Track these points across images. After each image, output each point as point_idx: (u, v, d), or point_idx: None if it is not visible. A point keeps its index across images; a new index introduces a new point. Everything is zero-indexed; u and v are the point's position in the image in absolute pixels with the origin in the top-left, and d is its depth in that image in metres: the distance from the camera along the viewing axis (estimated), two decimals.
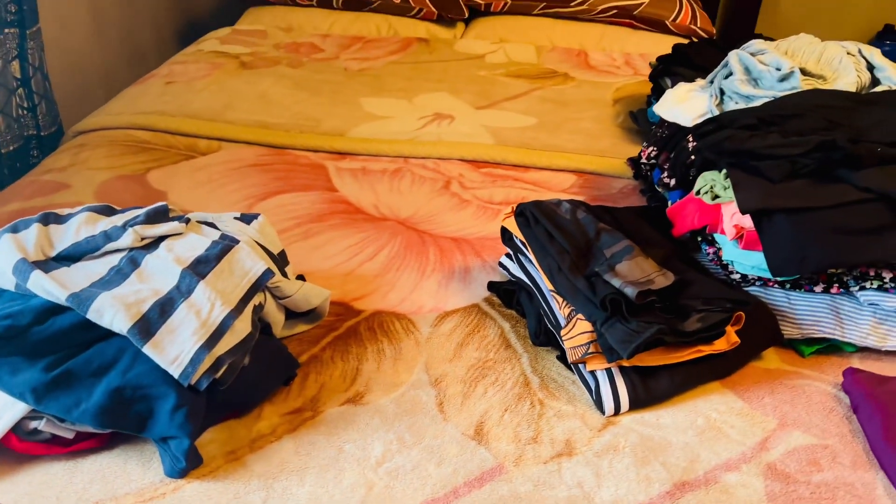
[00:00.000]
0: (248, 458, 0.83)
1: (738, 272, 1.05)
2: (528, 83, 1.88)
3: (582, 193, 1.42)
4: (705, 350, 0.95)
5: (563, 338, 0.95)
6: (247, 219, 1.01)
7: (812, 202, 0.96)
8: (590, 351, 0.93)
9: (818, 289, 1.03)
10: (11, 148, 1.61)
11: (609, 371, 0.93)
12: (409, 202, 1.36)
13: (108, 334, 0.80)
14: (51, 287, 0.80)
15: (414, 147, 1.52)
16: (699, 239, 1.12)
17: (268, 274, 0.92)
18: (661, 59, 1.63)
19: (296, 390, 0.93)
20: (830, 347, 1.03)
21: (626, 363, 0.92)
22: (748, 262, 1.03)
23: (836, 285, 1.02)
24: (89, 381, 0.78)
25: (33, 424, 0.79)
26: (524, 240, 1.04)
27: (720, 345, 0.95)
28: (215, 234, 0.94)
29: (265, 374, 0.90)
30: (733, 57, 1.18)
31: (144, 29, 2.31)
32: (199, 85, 1.74)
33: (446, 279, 1.15)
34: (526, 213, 1.04)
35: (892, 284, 0.99)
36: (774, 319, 1.01)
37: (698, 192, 1.07)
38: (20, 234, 0.87)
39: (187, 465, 0.79)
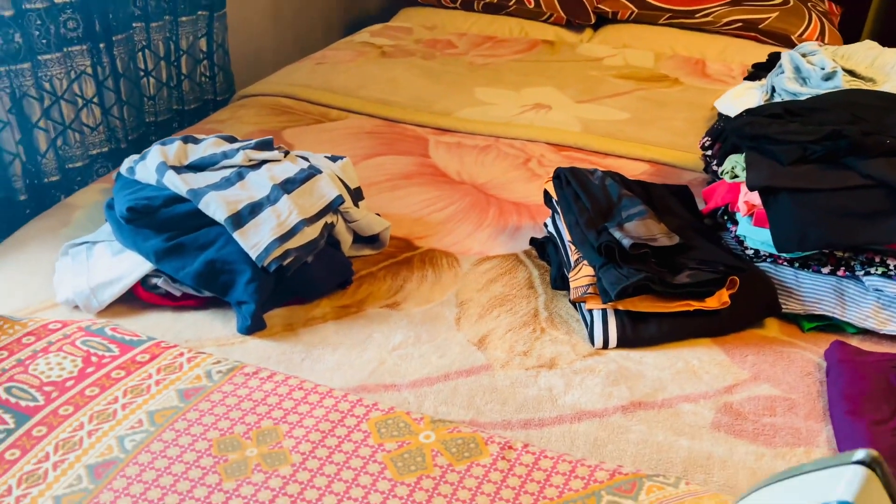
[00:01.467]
0: (299, 330, 1.08)
1: (750, 247, 1.15)
2: (634, 84, 2.01)
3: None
4: (694, 305, 1.07)
5: (570, 279, 1.11)
6: (334, 159, 1.26)
7: (815, 184, 1.05)
8: (588, 291, 1.08)
9: (825, 270, 1.10)
10: (192, 106, 2.00)
11: (604, 311, 1.07)
12: (488, 172, 1.56)
13: (212, 222, 1.09)
14: (178, 183, 1.10)
15: (506, 128, 1.72)
16: (725, 218, 1.22)
17: (339, 199, 1.16)
18: (755, 65, 1.70)
19: (349, 293, 1.16)
20: (832, 327, 1.10)
21: (620, 306, 1.07)
22: (758, 237, 1.13)
23: (843, 269, 1.09)
24: (194, 253, 1.07)
25: (154, 280, 1.09)
26: (556, 198, 1.21)
27: (711, 303, 1.07)
28: (305, 165, 1.20)
29: (326, 275, 1.14)
30: (785, 57, 1.26)
31: (316, 21, 2.70)
32: (342, 67, 2.06)
33: (497, 233, 1.34)
34: (561, 176, 1.21)
35: None
36: (773, 291, 1.10)
37: (723, 173, 1.18)
38: (166, 146, 1.18)
39: (252, 325, 1.05)
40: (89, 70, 1.58)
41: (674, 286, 1.05)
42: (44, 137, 1.47)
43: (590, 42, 2.38)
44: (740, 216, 1.14)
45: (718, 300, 1.07)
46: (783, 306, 1.11)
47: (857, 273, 1.08)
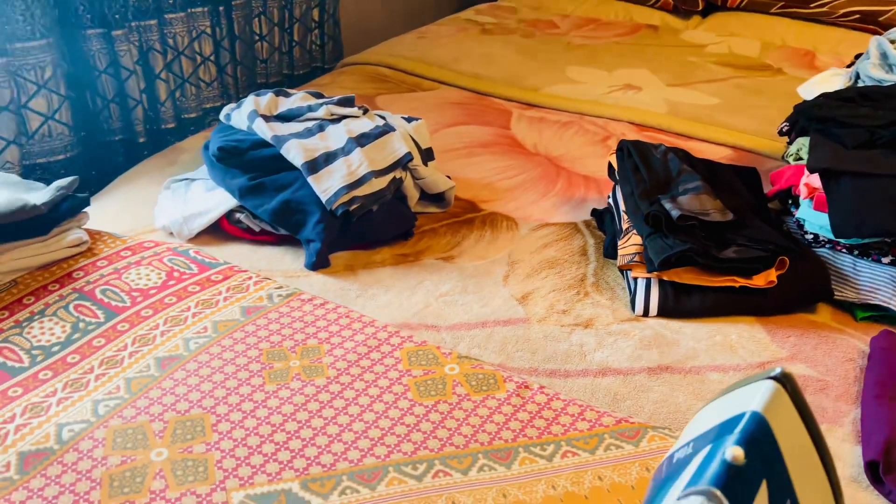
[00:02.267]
0: (358, 271, 1.17)
1: (809, 232, 1.13)
2: (732, 71, 1.97)
3: None
4: (740, 281, 1.07)
5: (619, 247, 1.14)
6: (409, 120, 1.35)
7: (878, 170, 1.02)
8: (635, 260, 1.11)
9: (885, 260, 1.08)
10: (301, 72, 2.14)
11: (648, 280, 1.10)
12: (563, 146, 1.59)
13: (291, 166, 1.20)
14: (265, 130, 1.22)
15: (590, 106, 1.75)
16: (789, 202, 1.21)
17: (408, 156, 1.24)
18: (858, 56, 1.63)
19: (409, 244, 1.25)
20: (887, 318, 1.07)
21: (665, 276, 1.09)
22: (817, 222, 1.11)
23: None
24: (272, 192, 1.18)
25: (238, 215, 1.21)
26: (617, 169, 1.24)
27: (757, 280, 1.07)
28: (381, 122, 1.29)
29: (388, 225, 1.23)
30: (873, 42, 1.22)
31: (428, 3, 2.79)
32: (442, 42, 2.14)
33: (561, 203, 1.38)
34: (624, 148, 1.24)
35: None
36: (826, 276, 1.09)
37: (788, 156, 1.17)
38: (260, 97, 1.30)
39: (317, 261, 1.15)
40: (209, 30, 1.74)
41: (719, 260, 1.06)
42: (164, 88, 1.64)
43: (696, 29, 2.34)
44: (801, 199, 1.13)
45: (765, 279, 1.07)
46: (837, 293, 1.09)
47: None
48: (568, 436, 0.82)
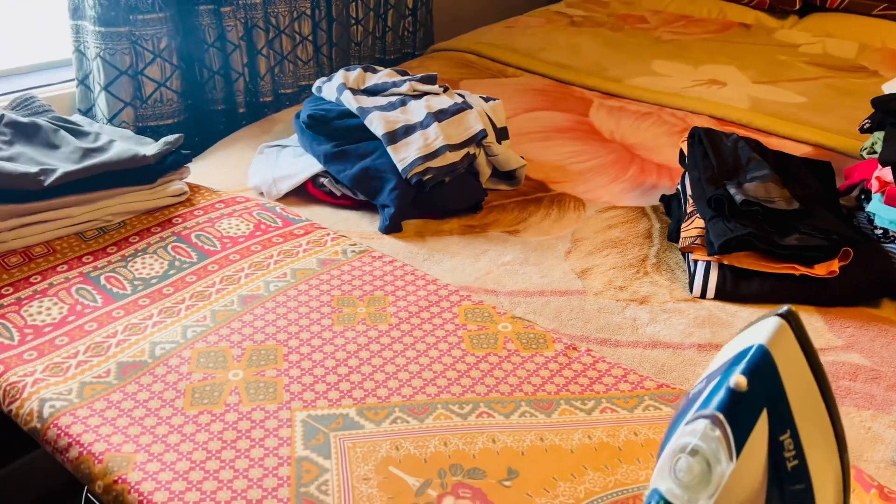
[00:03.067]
0: (428, 238, 1.24)
1: (879, 227, 1.12)
2: (823, 71, 1.93)
3: None
4: (800, 269, 1.08)
5: (682, 230, 1.17)
6: (487, 99, 1.41)
7: None
8: (696, 242, 1.13)
9: None
10: (392, 56, 2.24)
11: (708, 263, 1.12)
12: (640, 135, 1.62)
13: (372, 136, 1.28)
14: (351, 101, 1.31)
15: (671, 98, 1.76)
16: (862, 196, 1.19)
17: (483, 133, 1.31)
18: None
19: (478, 216, 1.31)
20: None
21: (725, 260, 1.11)
22: (887, 216, 1.10)
23: None
24: (354, 159, 1.27)
25: (322, 179, 1.31)
26: (687, 155, 1.26)
27: (819, 270, 1.07)
28: (459, 100, 1.36)
29: (459, 196, 1.29)
30: None
31: None
32: (529, 32, 2.19)
33: (631, 188, 1.41)
34: (695, 135, 1.26)
35: None
36: (893, 271, 1.07)
37: (862, 149, 1.16)
38: (349, 72, 1.39)
39: (390, 225, 1.23)
40: (308, 12, 1.85)
41: (780, 247, 1.07)
42: (264, 63, 1.76)
43: (792, 28, 2.29)
44: (872, 193, 1.12)
45: (827, 269, 1.07)
46: None
47: None
48: (609, 394, 0.86)
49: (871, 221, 1.15)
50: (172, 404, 0.81)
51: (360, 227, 1.26)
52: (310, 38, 1.88)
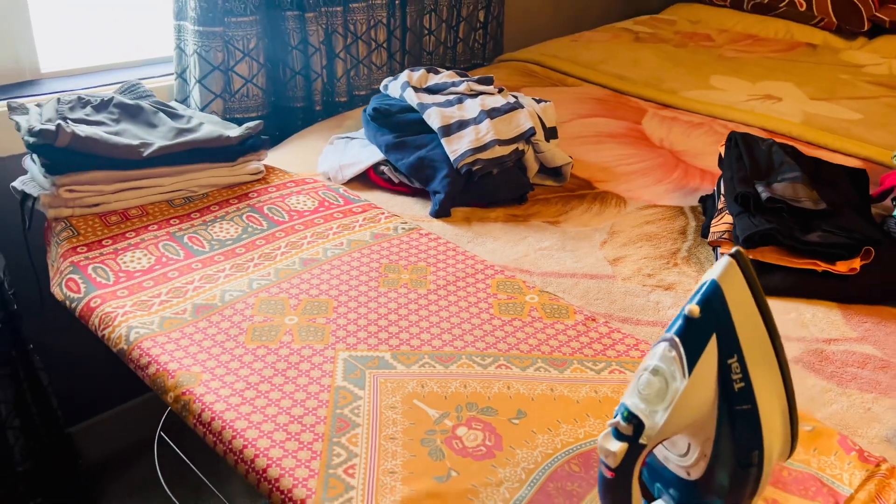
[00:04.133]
0: (473, 223, 1.35)
1: None
2: (884, 91, 1.94)
3: None
4: (822, 266, 1.13)
5: (711, 225, 1.24)
6: (538, 101, 1.51)
7: None
8: (724, 237, 1.20)
9: None
10: (462, 66, 2.37)
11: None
12: (689, 143, 1.68)
13: (429, 129, 1.40)
14: (412, 98, 1.44)
15: (724, 110, 1.81)
16: (894, 203, 1.23)
17: (531, 130, 1.41)
18: None
19: (522, 208, 1.41)
20: None
21: (750, 255, 1.17)
22: None
23: None
24: (411, 149, 1.39)
25: (382, 167, 1.44)
26: (723, 158, 1.32)
27: (840, 266, 1.12)
28: (512, 100, 1.47)
29: (506, 188, 1.40)
30: None
31: (592, 9, 2.93)
32: (593, 45, 2.28)
33: (674, 190, 1.48)
34: (732, 139, 1.32)
35: None
36: None
37: (894, 157, 1.20)
38: (413, 72, 1.53)
39: (440, 210, 1.34)
40: (384, 21, 2.01)
41: (802, 243, 1.13)
42: (341, 66, 1.92)
43: (859, 50, 2.30)
44: None
45: (848, 266, 1.12)
46: None
47: None
48: (619, 359, 0.95)
49: None
50: (235, 339, 0.95)
51: (413, 210, 1.38)
52: (384, 45, 2.03)
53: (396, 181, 1.43)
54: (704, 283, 0.57)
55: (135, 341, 0.94)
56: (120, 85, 1.43)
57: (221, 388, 0.86)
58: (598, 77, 2.04)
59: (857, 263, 1.12)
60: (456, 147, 1.36)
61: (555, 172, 1.49)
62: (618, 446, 0.60)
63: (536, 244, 1.29)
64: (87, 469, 1.74)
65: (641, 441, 0.59)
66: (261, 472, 0.77)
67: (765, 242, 1.15)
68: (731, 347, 0.57)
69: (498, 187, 1.39)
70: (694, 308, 0.57)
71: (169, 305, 1.01)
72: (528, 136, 1.42)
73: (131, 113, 1.33)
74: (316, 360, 0.92)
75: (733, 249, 0.57)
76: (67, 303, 1.04)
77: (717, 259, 1.21)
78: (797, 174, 1.21)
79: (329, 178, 1.46)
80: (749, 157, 1.27)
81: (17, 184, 1.28)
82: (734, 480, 0.61)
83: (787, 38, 2.40)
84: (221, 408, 0.83)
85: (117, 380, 1.81)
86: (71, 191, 1.18)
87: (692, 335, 0.57)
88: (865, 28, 2.32)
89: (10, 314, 1.46)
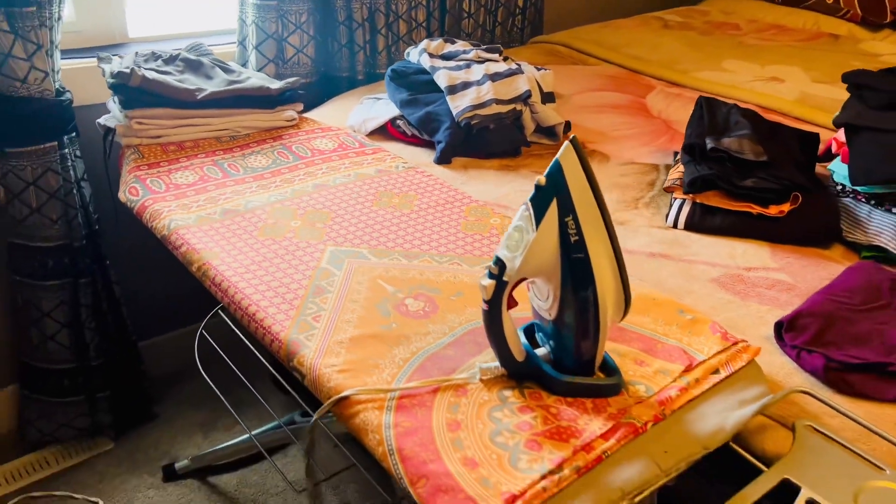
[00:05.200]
0: (469, 170, 1.56)
1: (838, 182, 1.31)
2: None
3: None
4: (756, 209, 1.29)
5: (668, 174, 1.41)
6: (539, 69, 1.71)
7: (886, 125, 1.19)
8: (676, 183, 1.38)
9: (895, 210, 1.23)
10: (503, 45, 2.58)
11: (683, 200, 1.36)
12: (684, 115, 1.84)
13: (438, 89, 1.63)
14: (426, 62, 1.67)
15: (726, 89, 1.96)
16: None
17: (528, 93, 1.62)
18: None
19: (515, 160, 1.61)
20: (888, 260, 1.22)
21: (698, 199, 1.34)
22: (842, 172, 1.29)
23: None
24: (421, 105, 1.63)
25: (399, 122, 1.68)
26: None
27: (771, 209, 1.28)
28: (514, 66, 1.68)
29: (501, 142, 1.61)
30: None
31: (636, 2, 3.09)
32: (620, 31, 2.45)
33: (657, 151, 1.66)
34: (698, 102, 1.50)
35: None
36: (836, 217, 1.26)
37: (834, 120, 1.34)
38: (432, 41, 1.76)
39: (441, 157, 1.57)
40: (424, 3, 2.24)
41: (738, 187, 1.29)
42: (382, 41, 2.17)
43: (882, 41, 2.38)
44: (832, 152, 1.31)
45: (777, 209, 1.28)
46: (849, 236, 1.26)
47: None
48: None
49: (833, 179, 1.33)
50: (250, 233, 1.21)
51: (421, 158, 1.62)
52: (423, 24, 2.27)
53: (409, 134, 1.67)
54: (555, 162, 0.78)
55: (174, 229, 1.21)
56: (187, 45, 1.73)
57: (232, 262, 1.12)
58: (616, 57, 2.22)
59: (786, 207, 1.28)
60: (458, 104, 1.58)
61: (549, 132, 1.69)
62: (488, 283, 0.81)
63: (518, 187, 1.49)
64: (147, 375, 2.05)
65: (504, 279, 0.80)
66: (251, 315, 1.02)
67: (708, 187, 1.33)
68: (567, 209, 0.77)
69: (494, 141, 1.61)
70: (541, 178, 0.78)
71: (203, 209, 1.28)
72: (524, 98, 1.62)
73: (193, 66, 1.62)
74: (309, 250, 1.16)
75: (571, 136, 0.78)
76: (128, 204, 1.33)
77: (670, 202, 1.39)
78: (747, 132, 1.37)
79: (354, 130, 1.71)
80: (710, 117, 1.44)
81: (101, 120, 1.58)
82: (577, 318, 0.81)
83: (814, 29, 2.50)
84: (230, 274, 1.09)
85: (174, 306, 2.12)
86: (140, 123, 1.47)
87: (539, 199, 0.78)
88: (888, 20, 2.39)
89: (92, 232, 1.78)
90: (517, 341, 0.86)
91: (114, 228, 1.87)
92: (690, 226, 1.34)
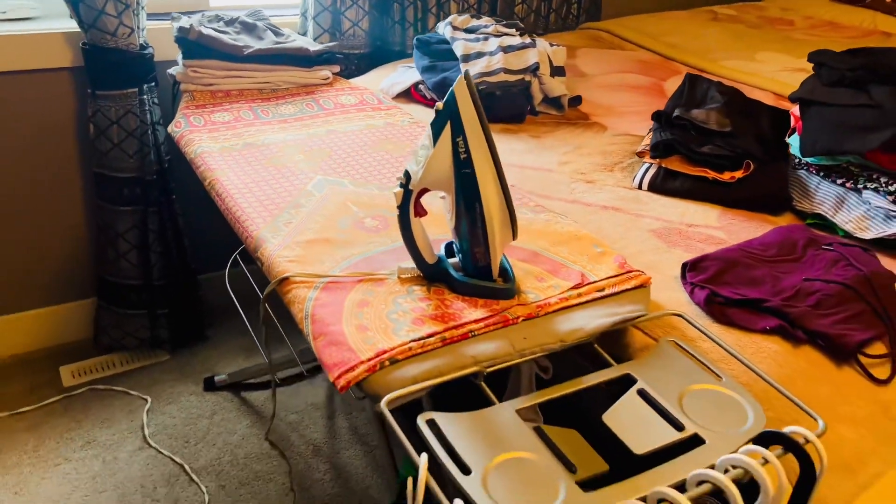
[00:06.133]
0: None
1: (794, 155, 1.39)
2: None
3: None
4: (711, 174, 1.39)
5: (642, 141, 1.53)
6: (552, 45, 1.86)
7: (833, 101, 1.27)
8: (646, 148, 1.50)
9: (839, 182, 1.30)
10: (553, 31, 2.72)
11: (650, 164, 1.48)
12: None
13: (455, 57, 1.82)
14: (448, 33, 1.85)
15: (748, 77, 2.03)
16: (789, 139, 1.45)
17: (536, 65, 1.77)
18: None
19: (517, 126, 1.77)
20: (827, 228, 1.30)
21: (662, 164, 1.46)
22: (797, 145, 1.37)
23: (851, 182, 1.28)
24: (439, 71, 1.81)
25: (420, 86, 1.87)
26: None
27: (724, 175, 1.38)
28: (528, 41, 1.83)
29: (506, 107, 1.77)
30: None
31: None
32: (667, 21, 2.53)
33: None
34: (685, 78, 1.60)
35: (885, 189, 1.22)
36: (784, 186, 1.35)
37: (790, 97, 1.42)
38: (459, 15, 1.94)
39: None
40: None
41: (695, 153, 1.40)
42: (433, 20, 2.37)
43: None
44: (791, 126, 1.39)
45: (730, 175, 1.38)
46: (798, 205, 1.35)
47: (858, 186, 1.26)
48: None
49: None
50: (259, 161, 1.44)
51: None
52: (474, 6, 2.45)
53: (429, 97, 1.86)
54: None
55: (199, 154, 1.46)
56: (247, 11, 1.99)
57: (236, 180, 1.36)
58: (652, 44, 2.31)
59: (738, 174, 1.37)
60: (472, 70, 1.76)
61: (556, 103, 1.83)
62: (398, 191, 1.00)
63: (510, 146, 1.65)
64: (202, 302, 2.35)
65: (410, 188, 0.98)
66: (237, 218, 1.25)
67: (670, 152, 1.44)
68: (458, 131, 0.94)
69: (500, 107, 1.77)
70: (439, 104, 0.95)
71: (228, 141, 1.52)
72: (533, 70, 1.78)
73: (248, 28, 1.88)
74: (301, 177, 1.38)
75: (463, 70, 0.95)
76: (173, 135, 1.60)
77: (640, 168, 1.51)
78: (717, 105, 1.47)
79: (383, 93, 1.92)
80: (689, 91, 1.54)
81: (171, 70, 1.87)
82: (469, 227, 0.98)
83: (869, 27, 2.48)
84: (230, 188, 1.33)
85: (234, 243, 2.41)
86: (195, 72, 1.74)
87: (437, 121, 0.95)
88: None
89: (162, 169, 2.08)
90: (427, 245, 1.04)
91: (181, 168, 2.17)
92: (653, 187, 1.45)
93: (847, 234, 1.27)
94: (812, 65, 1.41)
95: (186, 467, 1.87)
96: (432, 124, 0.97)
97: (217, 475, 1.86)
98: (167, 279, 2.20)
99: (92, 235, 2.19)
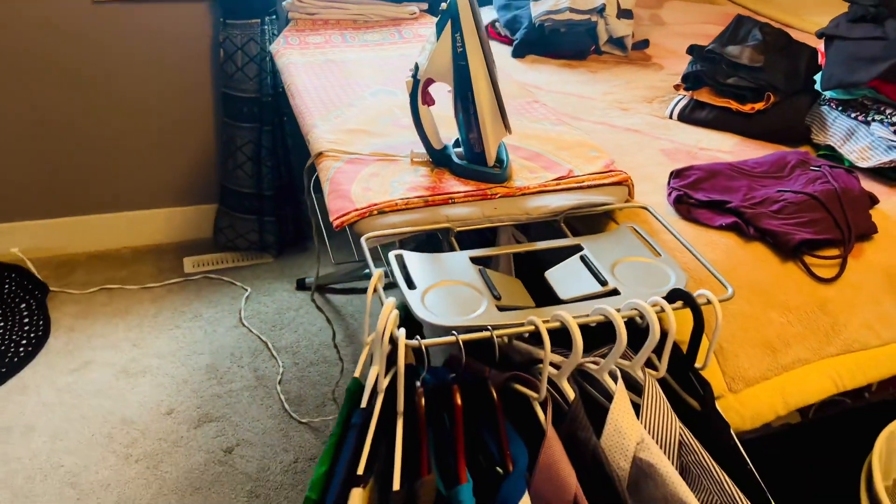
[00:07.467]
0: (534, 63, 1.89)
1: (820, 90, 1.43)
2: None
3: None
4: (734, 105, 1.47)
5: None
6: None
7: (851, 34, 1.31)
8: (680, 82, 1.59)
9: (854, 115, 1.34)
10: None
11: (683, 96, 1.57)
12: None
13: None
14: None
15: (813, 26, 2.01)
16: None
17: (602, 6, 1.89)
18: None
19: (579, 62, 1.90)
20: (836, 159, 1.35)
21: (694, 95, 1.55)
22: (818, 78, 1.41)
23: (863, 115, 1.32)
24: (513, 9, 1.97)
25: (496, 24, 2.04)
26: None
27: (745, 107, 1.45)
28: None
29: (569, 43, 1.90)
30: None
31: None
32: None
33: None
34: (735, 18, 1.66)
35: (889, 120, 1.25)
36: (802, 119, 1.40)
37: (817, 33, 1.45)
38: None
39: (515, 51, 1.91)
40: None
41: (721, 84, 1.48)
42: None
43: None
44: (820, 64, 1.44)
45: (750, 106, 1.45)
46: (815, 137, 1.40)
47: (868, 119, 1.30)
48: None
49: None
50: (333, 72, 1.69)
51: (506, 54, 1.97)
52: None
53: (503, 34, 2.03)
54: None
55: (286, 64, 1.73)
56: None
57: (309, 84, 1.61)
58: (747, 2, 2.33)
59: (759, 105, 1.44)
60: (539, 10, 1.90)
61: (619, 43, 1.94)
62: (409, 80, 1.19)
63: (564, 78, 1.79)
64: (305, 215, 2.67)
65: (418, 77, 1.18)
66: (300, 112, 1.50)
67: (699, 83, 1.53)
68: (457, 28, 1.12)
69: (563, 43, 1.91)
70: (444, 5, 1.13)
71: (313, 57, 1.78)
72: (599, 10, 1.90)
73: None
74: (363, 86, 1.61)
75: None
76: (271, 51, 1.88)
77: (675, 101, 1.61)
78: (755, 42, 1.53)
79: None
80: (734, 30, 1.61)
81: (285, 3, 2.17)
82: (464, 115, 1.16)
83: None
84: (302, 89, 1.58)
85: None
86: (300, 1, 2.02)
87: (441, 20, 1.14)
88: None
89: (276, 93, 2.40)
90: (434, 131, 1.24)
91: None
92: (682, 117, 1.55)
93: (851, 165, 1.32)
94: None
95: (269, 345, 2.19)
96: (437, 23, 1.15)
97: (293, 354, 2.17)
98: (275, 190, 2.53)
99: (218, 148, 2.56)
